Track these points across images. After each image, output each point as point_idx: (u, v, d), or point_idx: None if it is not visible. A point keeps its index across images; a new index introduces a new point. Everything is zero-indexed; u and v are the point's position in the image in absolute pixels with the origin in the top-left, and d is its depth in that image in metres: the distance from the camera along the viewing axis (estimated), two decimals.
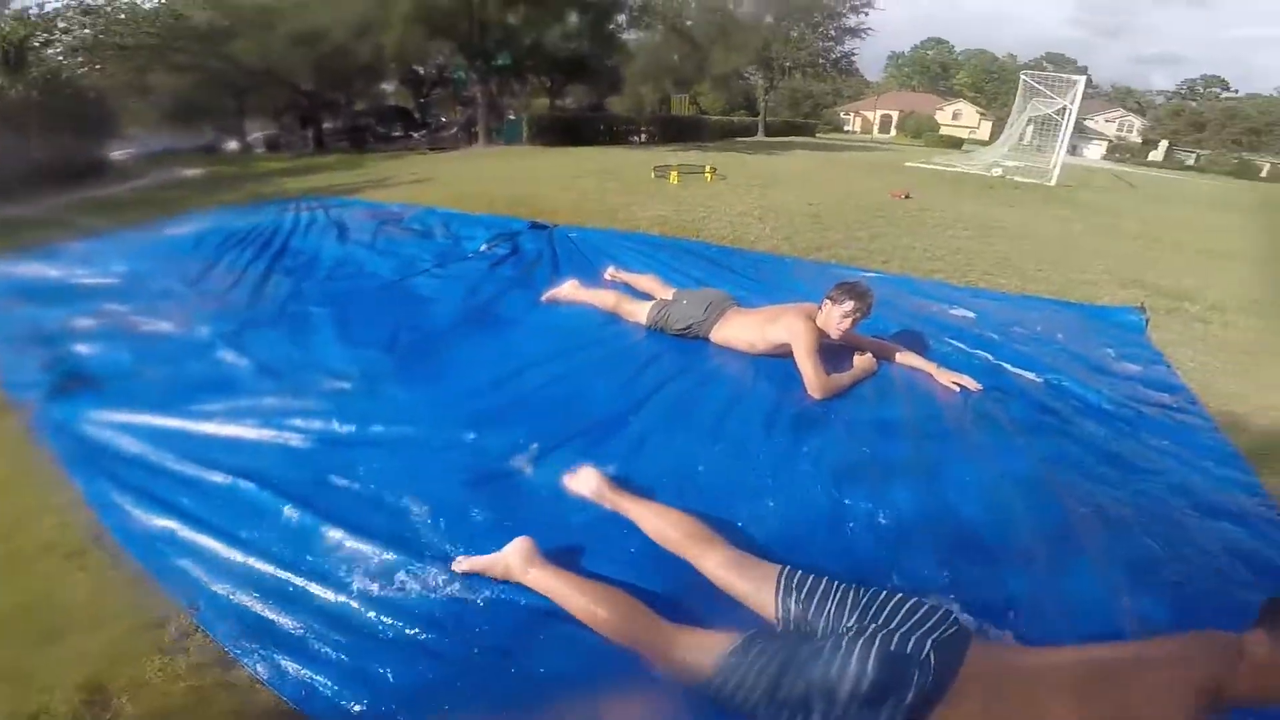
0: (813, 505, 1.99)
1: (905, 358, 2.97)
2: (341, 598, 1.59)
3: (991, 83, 63.66)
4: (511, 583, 1.59)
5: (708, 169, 10.89)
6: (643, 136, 22.38)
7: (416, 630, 1.51)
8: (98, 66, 13.35)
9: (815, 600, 1.44)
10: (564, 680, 1.41)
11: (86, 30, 13.43)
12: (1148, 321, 3.98)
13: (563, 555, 1.67)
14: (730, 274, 4.29)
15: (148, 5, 14.39)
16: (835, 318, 2.75)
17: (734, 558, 1.60)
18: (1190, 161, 44.99)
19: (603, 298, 3.53)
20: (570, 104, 24.48)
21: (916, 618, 1.33)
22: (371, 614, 1.55)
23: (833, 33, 30.73)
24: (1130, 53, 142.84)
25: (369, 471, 2.05)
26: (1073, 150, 26.06)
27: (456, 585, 1.62)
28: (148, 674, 1.41)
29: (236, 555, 1.71)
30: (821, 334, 2.77)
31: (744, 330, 3.01)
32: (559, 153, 15.39)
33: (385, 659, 1.44)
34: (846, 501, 2.01)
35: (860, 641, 1.26)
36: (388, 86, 21.56)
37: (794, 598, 1.46)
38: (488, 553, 1.67)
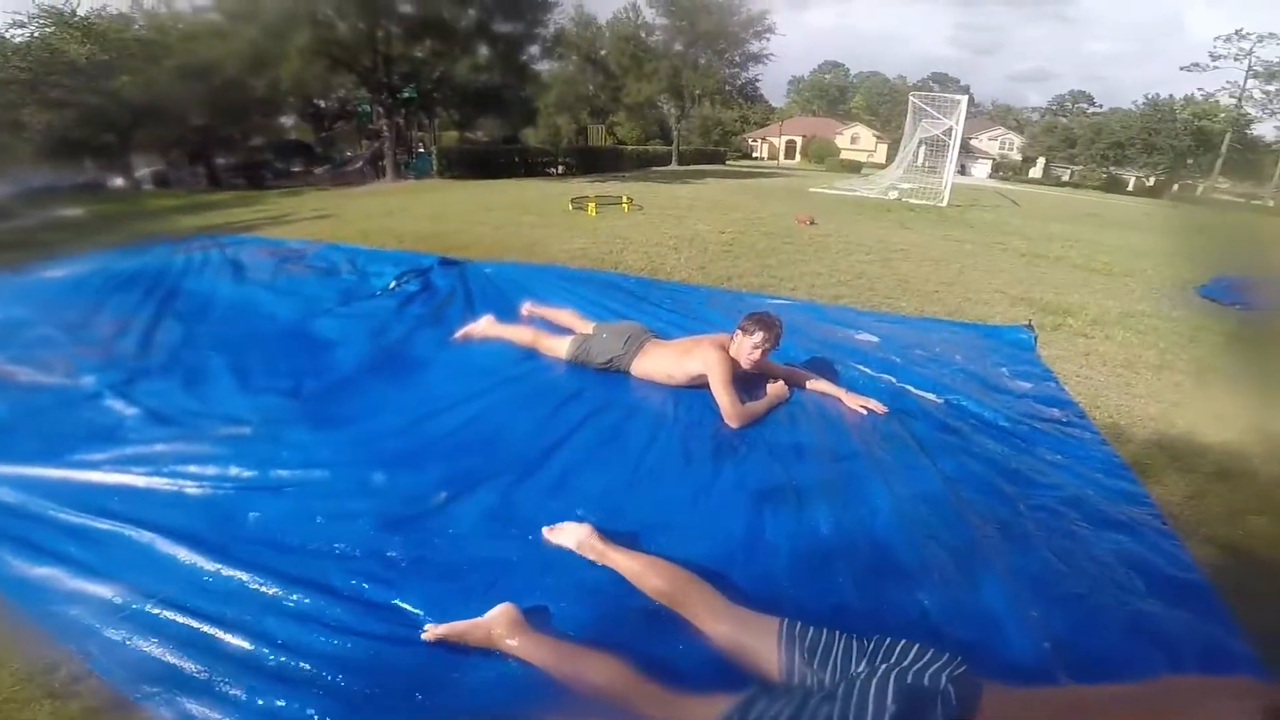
0: (734, 531, 2.02)
1: (815, 384, 3.07)
2: (248, 640, 1.54)
3: (885, 105, 66.92)
4: (494, 650, 1.53)
5: (624, 199, 11.02)
6: (560, 168, 22.45)
7: (327, 671, 1.47)
8: None
9: (820, 651, 1.40)
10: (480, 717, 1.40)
11: None
12: (1036, 339, 4.25)
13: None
14: (648, 306, 4.33)
15: (17, 39, 13.50)
16: (746, 348, 2.82)
17: (731, 611, 1.56)
18: (1066, 177, 49.03)
19: (520, 333, 3.49)
20: (482, 136, 24.32)
21: (927, 658, 1.30)
22: (281, 656, 1.50)
23: (737, 59, 31.72)
24: (1006, 70, 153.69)
25: (272, 515, 2.00)
26: (962, 170, 27.93)
27: (367, 624, 1.59)
28: (38, 719, 1.39)
29: (131, 601, 1.65)
30: (735, 364, 2.83)
31: (662, 363, 3.03)
32: (472, 186, 15.27)
33: (297, 699, 1.40)
34: (766, 525, 2.04)
35: (875, 680, 1.22)
36: (287, 120, 20.89)
37: (798, 649, 1.41)
38: (406, 595, 1.65)
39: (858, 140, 57.41)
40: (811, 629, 1.45)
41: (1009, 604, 1.74)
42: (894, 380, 3.21)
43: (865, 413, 2.85)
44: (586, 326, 3.45)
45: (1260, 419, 3.22)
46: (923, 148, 19.30)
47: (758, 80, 34.71)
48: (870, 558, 1.91)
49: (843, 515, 2.09)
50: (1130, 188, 44.16)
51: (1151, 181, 45.52)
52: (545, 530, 1.92)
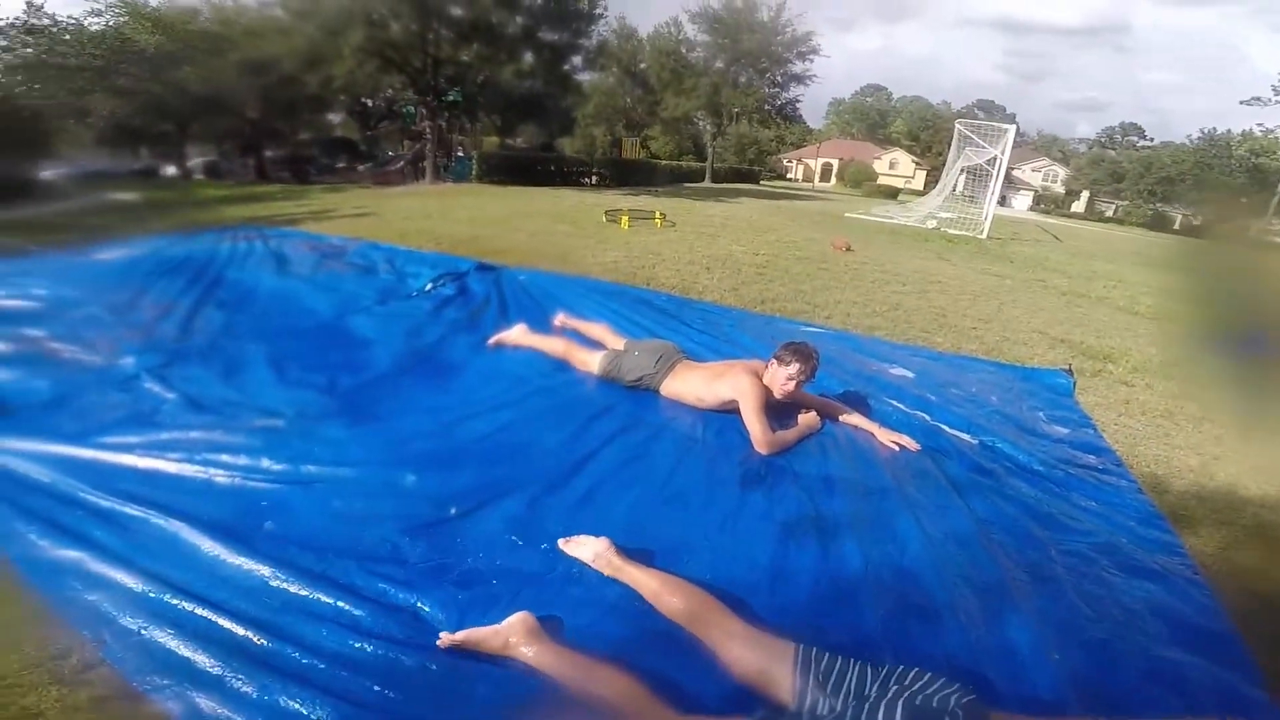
0: (759, 559, 1.99)
1: (848, 417, 3.02)
2: (265, 637, 1.53)
3: (926, 131, 65.76)
4: (507, 657, 1.54)
5: (657, 215, 11.06)
6: (594, 179, 22.64)
7: (341, 672, 1.47)
8: (36, 86, 12.91)
9: (834, 676, 1.41)
10: None
11: (29, 49, 13.02)
12: (1075, 384, 4.16)
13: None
14: (680, 325, 4.31)
15: (94, 27, 14.07)
16: (780, 379, 2.80)
17: (747, 634, 1.56)
18: (1110, 213, 47.92)
19: (552, 344, 3.50)
20: (521, 143, 24.63)
21: (937, 685, 1.32)
22: (296, 654, 1.50)
23: (779, 79, 31.30)
24: (1054, 98, 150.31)
25: (298, 511, 2.01)
26: (1002, 201, 27.45)
27: (385, 627, 1.59)
28: (43, 705, 1.37)
29: (150, 590, 1.64)
30: (767, 391, 2.81)
31: (693, 385, 3.02)
32: (509, 192, 15.46)
33: (308, 700, 1.39)
34: (792, 555, 2.02)
35: (885, 702, 1.24)
36: (334, 118, 21.35)
37: (813, 674, 1.42)
38: (426, 600, 1.66)
39: (896, 165, 56.90)
40: (827, 655, 1.45)
41: (1033, 647, 1.71)
42: (928, 418, 3.16)
43: (898, 449, 2.81)
44: (618, 342, 3.45)
45: None
46: (963, 176, 19.04)
47: (798, 100, 34.45)
48: (897, 594, 1.88)
49: (871, 550, 2.06)
50: (1176, 226, 43.01)
51: (1198, 220, 44.17)
52: (561, 542, 1.92)
